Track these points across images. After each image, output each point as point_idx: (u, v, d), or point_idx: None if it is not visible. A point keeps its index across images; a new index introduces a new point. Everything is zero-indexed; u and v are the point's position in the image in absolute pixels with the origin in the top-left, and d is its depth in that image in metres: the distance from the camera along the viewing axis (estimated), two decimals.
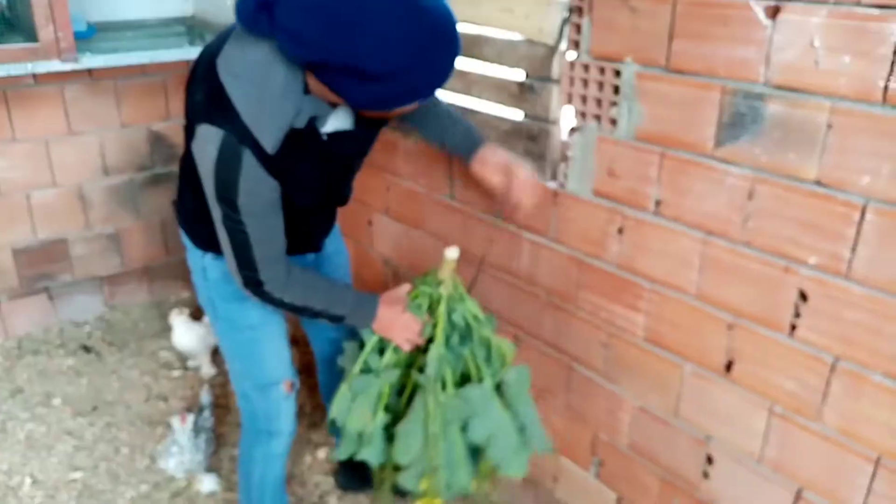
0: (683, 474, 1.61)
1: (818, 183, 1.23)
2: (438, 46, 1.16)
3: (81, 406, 2.60)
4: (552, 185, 1.72)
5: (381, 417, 1.57)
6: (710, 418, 1.52)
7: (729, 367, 1.45)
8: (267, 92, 1.23)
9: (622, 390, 1.71)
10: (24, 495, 2.19)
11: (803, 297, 1.29)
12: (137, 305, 3.26)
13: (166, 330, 2.96)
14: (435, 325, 1.56)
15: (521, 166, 1.60)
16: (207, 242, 1.52)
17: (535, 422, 1.58)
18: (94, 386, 2.72)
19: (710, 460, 1.54)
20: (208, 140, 1.25)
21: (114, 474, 2.28)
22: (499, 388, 1.55)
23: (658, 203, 1.50)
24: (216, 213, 1.33)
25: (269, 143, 1.25)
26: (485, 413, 1.50)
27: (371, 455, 1.59)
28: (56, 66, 2.17)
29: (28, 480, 2.24)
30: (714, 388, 1.49)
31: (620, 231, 1.59)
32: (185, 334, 2.68)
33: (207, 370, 2.77)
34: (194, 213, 1.49)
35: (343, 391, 1.58)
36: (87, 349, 2.94)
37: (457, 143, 1.68)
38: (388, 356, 1.58)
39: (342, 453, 1.63)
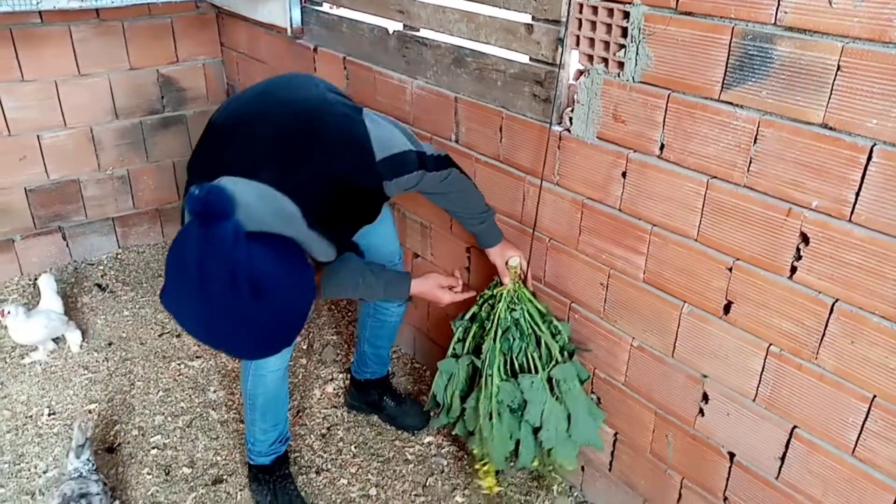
0: (678, 412, 1.66)
1: (825, 126, 1.23)
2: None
3: (96, 342, 2.68)
4: (557, 128, 1.72)
5: (459, 392, 1.89)
6: (706, 358, 1.55)
7: (727, 308, 1.47)
8: None
9: (620, 330, 1.74)
10: (42, 424, 2.28)
11: (805, 239, 1.31)
12: (149, 246, 3.32)
13: None
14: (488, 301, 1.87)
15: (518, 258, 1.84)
16: None
17: (586, 418, 1.77)
18: (108, 323, 2.79)
19: (705, 398, 1.58)
20: None
21: (129, 406, 2.36)
22: (551, 381, 1.78)
23: (662, 147, 1.50)
24: None
25: None
26: (537, 400, 1.74)
27: (460, 429, 1.89)
28: (62, 3, 2.16)
29: (46, 411, 2.33)
30: (712, 328, 1.52)
31: (624, 175, 1.59)
32: (20, 330, 2.44)
33: (40, 356, 2.56)
34: None
35: (439, 372, 1.91)
36: (101, 287, 3.01)
37: (477, 233, 1.87)
38: (468, 343, 1.87)
39: (437, 423, 1.97)
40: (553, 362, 1.77)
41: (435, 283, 1.87)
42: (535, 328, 1.79)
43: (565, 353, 1.80)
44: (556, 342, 1.79)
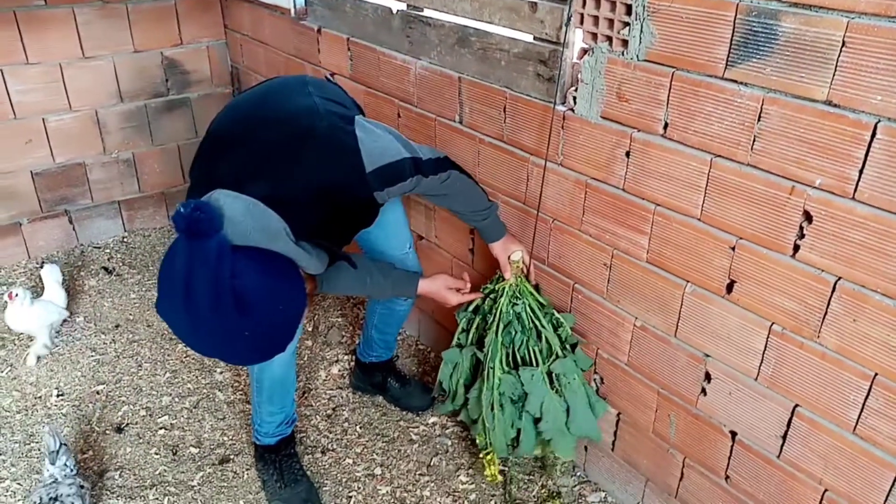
0: (681, 391, 1.66)
1: (829, 103, 1.22)
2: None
3: (104, 324, 2.70)
4: (561, 108, 1.71)
5: (464, 381, 1.93)
6: (709, 337, 1.55)
7: (730, 287, 1.47)
8: None
9: (623, 310, 1.74)
10: (51, 405, 2.30)
11: (808, 217, 1.30)
12: (155, 230, 3.34)
13: None
14: (491, 300, 1.89)
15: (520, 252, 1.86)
16: None
17: (584, 412, 1.79)
18: (115, 305, 2.81)
19: (707, 377, 1.58)
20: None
21: (136, 387, 2.39)
22: (551, 375, 1.80)
23: (666, 126, 1.49)
24: None
25: None
26: (537, 392, 1.76)
27: (465, 416, 1.93)
28: None
29: (55, 392, 2.36)
30: (714, 308, 1.52)
31: (628, 154, 1.59)
32: (19, 316, 2.41)
33: (33, 358, 2.49)
34: None
35: (444, 361, 1.94)
36: (108, 271, 3.03)
37: (480, 229, 1.88)
38: (471, 334, 1.90)
39: (443, 409, 2.00)
40: (553, 356, 1.79)
41: (443, 285, 1.89)
42: (537, 322, 1.80)
43: (567, 346, 1.81)
44: (558, 335, 1.80)
